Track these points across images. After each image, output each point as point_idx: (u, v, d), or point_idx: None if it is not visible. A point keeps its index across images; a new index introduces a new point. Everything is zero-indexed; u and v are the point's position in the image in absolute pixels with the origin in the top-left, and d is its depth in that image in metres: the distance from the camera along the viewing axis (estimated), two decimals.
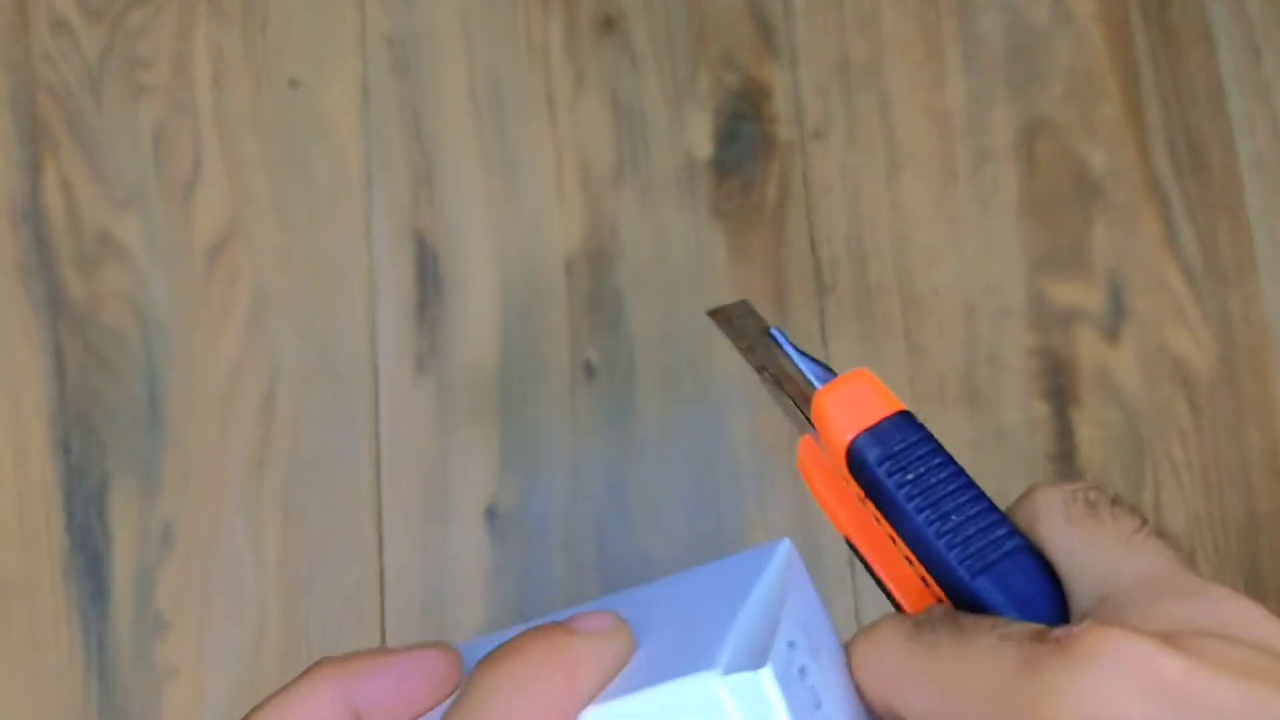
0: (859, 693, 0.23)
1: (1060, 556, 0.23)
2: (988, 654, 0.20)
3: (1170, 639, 0.19)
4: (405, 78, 0.66)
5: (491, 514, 0.61)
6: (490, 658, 0.21)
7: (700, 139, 0.66)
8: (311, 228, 0.64)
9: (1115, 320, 0.65)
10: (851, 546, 0.26)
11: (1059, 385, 0.63)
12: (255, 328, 0.63)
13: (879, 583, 0.25)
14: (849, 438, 0.24)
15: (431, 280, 0.64)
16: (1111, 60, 0.68)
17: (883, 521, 0.24)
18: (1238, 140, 0.67)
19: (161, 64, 0.65)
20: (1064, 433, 0.63)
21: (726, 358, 0.64)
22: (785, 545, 0.24)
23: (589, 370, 0.63)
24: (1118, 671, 0.19)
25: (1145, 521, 0.23)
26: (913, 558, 0.24)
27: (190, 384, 0.62)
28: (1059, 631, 0.20)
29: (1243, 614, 0.20)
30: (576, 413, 0.62)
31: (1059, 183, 0.66)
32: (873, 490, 0.24)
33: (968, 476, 0.24)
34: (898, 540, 0.24)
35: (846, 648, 0.23)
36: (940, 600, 0.23)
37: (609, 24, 0.67)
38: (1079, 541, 0.22)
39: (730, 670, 0.20)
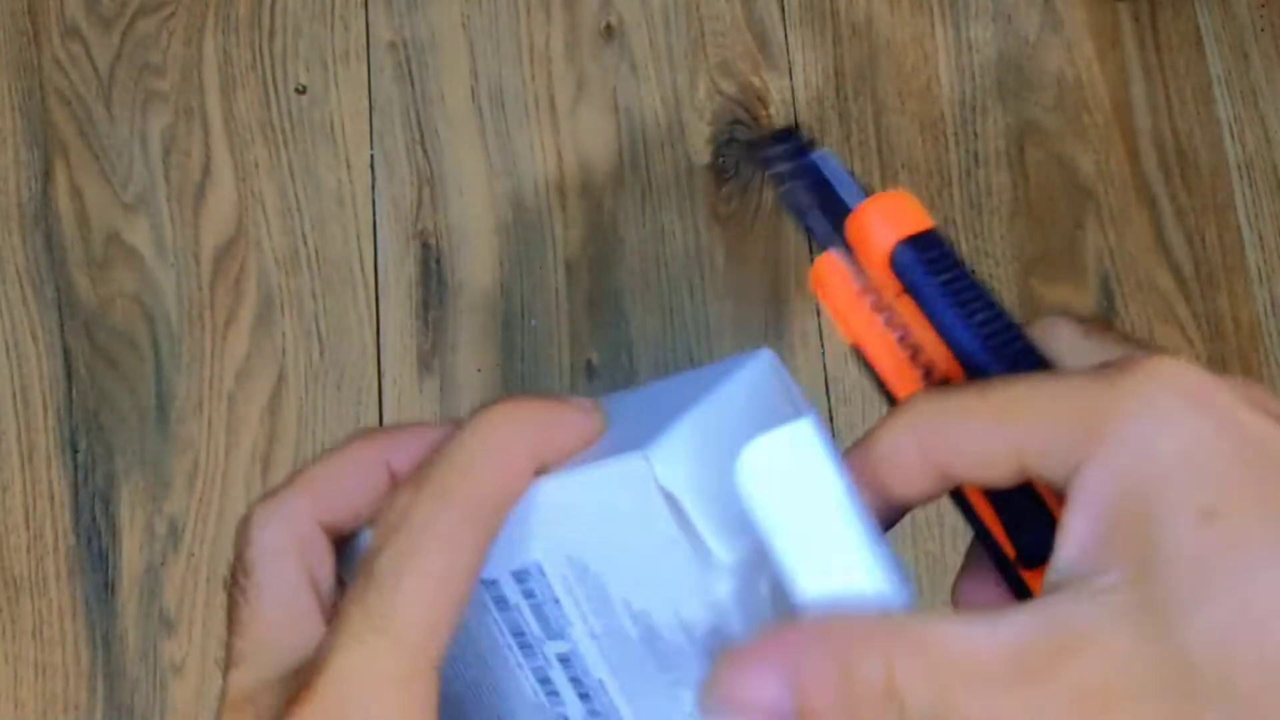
0: (891, 472, 0.24)
1: (1072, 359, 0.25)
2: (1051, 381, 0.22)
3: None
4: (409, 84, 0.67)
5: None
6: (485, 406, 0.23)
7: (698, 144, 0.67)
8: (317, 230, 0.65)
9: (1107, 321, 0.65)
10: (859, 354, 0.28)
11: None
12: (262, 329, 0.63)
13: (882, 387, 0.28)
14: (894, 241, 0.27)
15: (435, 281, 0.64)
16: (1101, 66, 0.69)
17: (908, 324, 0.27)
18: (1226, 144, 0.68)
19: (171, 71, 0.67)
20: None
21: (726, 357, 0.64)
22: (764, 355, 0.26)
23: (590, 370, 0.64)
24: (1174, 385, 0.21)
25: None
26: (931, 359, 0.27)
27: (197, 384, 0.63)
28: (1122, 358, 0.22)
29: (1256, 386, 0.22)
30: None
31: (1050, 186, 0.67)
32: (913, 286, 0.27)
33: (986, 287, 0.27)
34: (914, 342, 0.27)
35: (878, 431, 0.24)
36: None
37: (610, 32, 0.68)
38: (1092, 346, 0.24)
39: (654, 455, 0.22)
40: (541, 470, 0.24)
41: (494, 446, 0.23)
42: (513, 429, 0.23)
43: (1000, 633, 0.20)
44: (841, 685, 0.20)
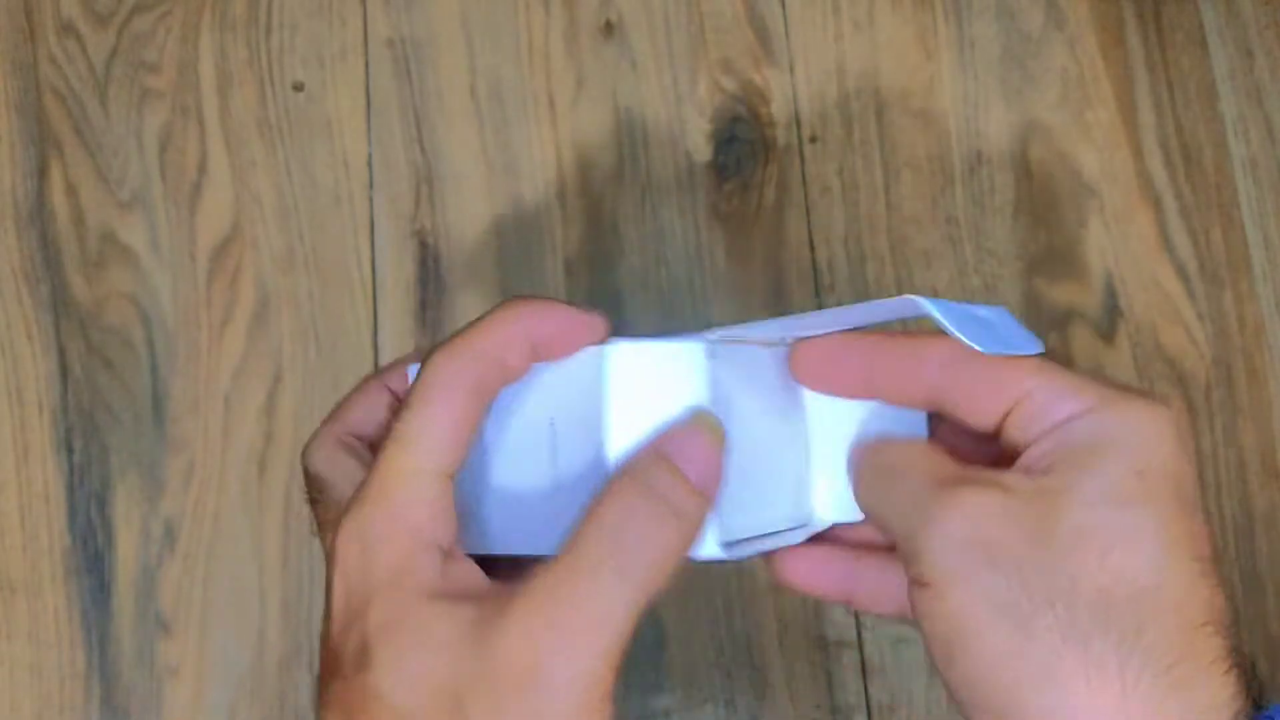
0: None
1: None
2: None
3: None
4: (407, 81, 0.67)
5: None
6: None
7: (699, 142, 0.66)
8: (314, 229, 0.65)
9: (1111, 320, 0.65)
10: None
11: None
12: (258, 328, 0.63)
13: None
14: None
15: (433, 281, 0.64)
16: (1105, 63, 0.68)
17: None
18: (1230, 142, 0.68)
19: (167, 68, 0.66)
20: None
21: None
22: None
23: None
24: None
25: None
26: None
27: (193, 384, 0.62)
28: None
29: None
30: None
31: (1054, 185, 0.67)
32: None
33: None
34: None
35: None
36: None
37: (609, 28, 0.68)
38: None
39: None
40: (541, 354, 0.30)
41: (491, 322, 0.30)
42: (508, 313, 0.30)
43: None
44: None
